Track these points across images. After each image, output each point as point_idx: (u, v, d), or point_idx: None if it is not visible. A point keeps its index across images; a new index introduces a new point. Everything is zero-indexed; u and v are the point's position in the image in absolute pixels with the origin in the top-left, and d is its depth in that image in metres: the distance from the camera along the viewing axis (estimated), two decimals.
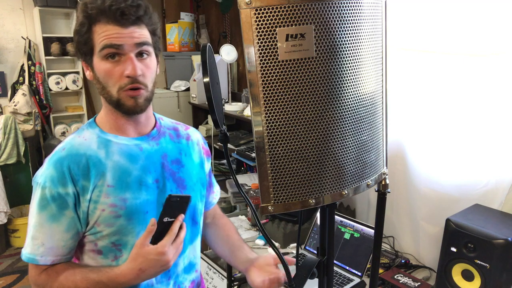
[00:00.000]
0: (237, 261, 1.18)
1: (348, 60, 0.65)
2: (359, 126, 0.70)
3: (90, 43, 0.88)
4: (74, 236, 0.92)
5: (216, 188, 1.27)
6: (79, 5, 0.89)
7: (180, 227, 0.90)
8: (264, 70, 0.62)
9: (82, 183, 0.90)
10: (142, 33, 0.90)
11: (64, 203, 0.89)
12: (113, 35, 0.86)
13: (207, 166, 1.16)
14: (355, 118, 0.68)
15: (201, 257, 2.58)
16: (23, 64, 3.74)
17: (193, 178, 1.06)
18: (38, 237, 0.90)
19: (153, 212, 0.96)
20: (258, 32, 0.60)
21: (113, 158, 0.93)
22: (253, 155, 2.22)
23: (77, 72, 3.89)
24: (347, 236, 1.67)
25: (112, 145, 0.94)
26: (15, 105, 3.57)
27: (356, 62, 0.66)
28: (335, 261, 1.60)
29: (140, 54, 0.90)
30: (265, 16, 0.60)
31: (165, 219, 0.88)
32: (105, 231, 0.92)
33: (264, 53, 0.61)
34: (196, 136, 1.13)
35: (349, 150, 0.69)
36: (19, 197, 3.58)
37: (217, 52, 2.77)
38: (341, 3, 0.62)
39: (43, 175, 0.90)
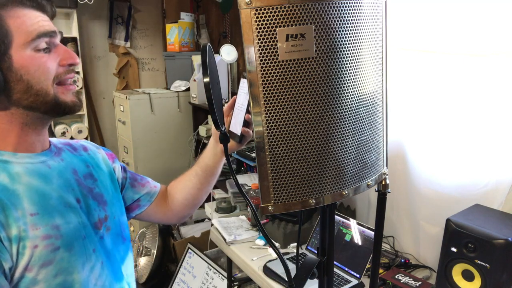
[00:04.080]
0: (202, 162, 1.08)
1: (348, 60, 0.65)
2: (359, 126, 0.70)
3: (6, 33, 0.70)
4: None
5: (147, 178, 1.12)
6: None
7: None
8: (264, 70, 0.62)
9: None
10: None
11: None
12: (44, 21, 0.74)
13: (118, 169, 1.03)
14: (355, 118, 0.68)
15: (201, 257, 2.58)
16: None
17: (109, 191, 0.93)
18: None
19: (91, 237, 0.81)
20: (258, 32, 0.60)
21: (22, 181, 0.73)
22: (253, 155, 2.22)
23: (77, 72, 3.89)
24: (347, 237, 1.67)
25: (13, 166, 0.74)
26: None
27: (356, 62, 0.66)
28: (334, 262, 1.60)
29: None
30: (265, 16, 0.60)
31: None
32: (42, 274, 0.70)
33: (264, 53, 0.61)
34: (91, 145, 1.00)
35: (349, 150, 0.69)
36: None
37: (217, 52, 2.77)
38: (341, 3, 0.62)
39: None
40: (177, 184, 1.12)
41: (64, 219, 0.76)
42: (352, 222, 1.69)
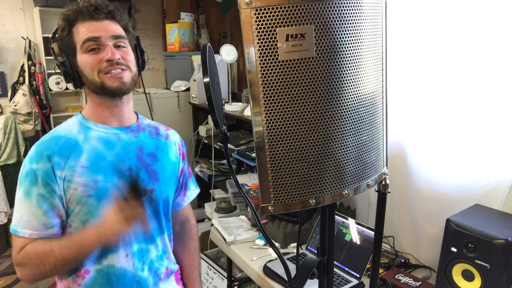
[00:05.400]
0: None
1: (348, 60, 0.65)
2: (359, 126, 0.70)
3: (72, 43, 1.00)
4: (47, 213, 0.96)
5: (190, 192, 1.30)
6: (59, 14, 1.02)
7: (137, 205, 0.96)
8: (264, 70, 0.62)
9: (56, 159, 0.97)
10: (116, 27, 1.02)
11: (34, 179, 0.96)
12: (91, 30, 0.98)
13: (181, 167, 1.22)
14: (355, 118, 0.68)
15: (201, 257, 2.58)
16: (23, 64, 3.74)
17: (166, 174, 1.14)
18: (18, 210, 0.98)
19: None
20: (258, 32, 0.60)
21: (90, 143, 1.01)
22: (253, 155, 2.22)
23: None
24: (347, 237, 1.67)
25: (91, 131, 1.03)
26: (15, 105, 3.57)
27: (356, 62, 0.66)
28: (334, 262, 1.60)
29: (117, 47, 1.01)
30: (265, 16, 0.60)
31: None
32: (77, 209, 0.98)
33: (264, 53, 0.61)
34: (175, 138, 1.21)
35: (349, 150, 0.69)
36: None
37: (217, 52, 2.77)
38: (341, 3, 0.62)
39: (27, 157, 1.00)
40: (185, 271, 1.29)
41: (105, 178, 1.00)
42: (352, 222, 1.69)
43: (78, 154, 0.99)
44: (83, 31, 0.98)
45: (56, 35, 1.03)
